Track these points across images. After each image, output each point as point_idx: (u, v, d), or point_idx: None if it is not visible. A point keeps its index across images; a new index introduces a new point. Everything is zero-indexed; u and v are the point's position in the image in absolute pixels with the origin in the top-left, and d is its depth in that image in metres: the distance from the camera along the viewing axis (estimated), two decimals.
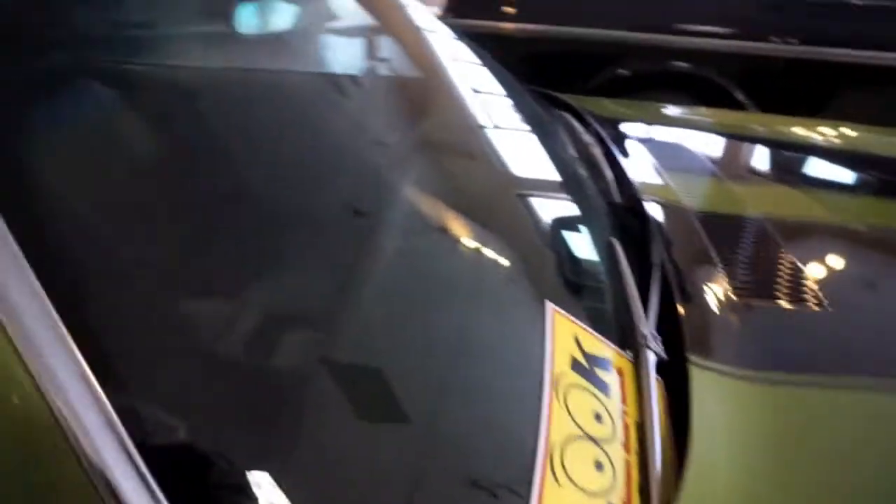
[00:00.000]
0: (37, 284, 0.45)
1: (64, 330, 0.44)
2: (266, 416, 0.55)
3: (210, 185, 0.68)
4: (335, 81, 1.04)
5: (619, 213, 1.10)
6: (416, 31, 1.42)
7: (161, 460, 0.45)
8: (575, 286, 0.87)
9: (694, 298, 0.88)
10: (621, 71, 2.82)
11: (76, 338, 0.45)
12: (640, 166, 1.30)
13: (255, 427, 0.54)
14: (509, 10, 2.93)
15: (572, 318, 0.75)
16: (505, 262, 0.86)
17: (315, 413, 0.57)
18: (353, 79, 1.10)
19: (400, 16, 1.44)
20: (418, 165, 0.99)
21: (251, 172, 0.74)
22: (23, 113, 0.58)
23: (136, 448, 0.44)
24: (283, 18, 1.18)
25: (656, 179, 1.26)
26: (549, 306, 0.74)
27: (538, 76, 2.65)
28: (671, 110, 1.77)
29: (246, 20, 1.05)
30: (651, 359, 0.73)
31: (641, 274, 0.90)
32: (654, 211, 1.08)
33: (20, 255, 0.46)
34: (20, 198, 0.51)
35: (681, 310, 0.84)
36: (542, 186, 1.11)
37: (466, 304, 0.75)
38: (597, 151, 1.32)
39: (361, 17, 1.32)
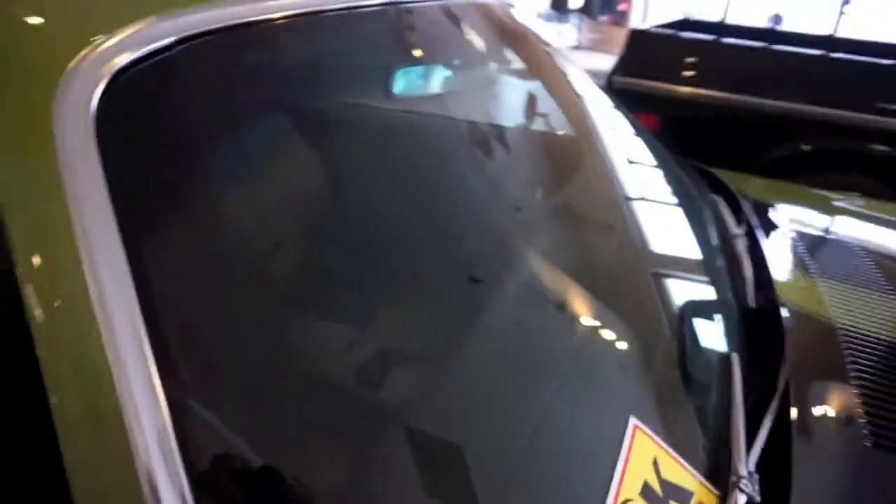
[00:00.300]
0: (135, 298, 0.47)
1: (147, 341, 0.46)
2: (327, 466, 0.56)
3: (335, 225, 0.72)
4: (484, 143, 1.06)
5: (750, 321, 1.01)
6: (573, 96, 1.42)
7: (211, 484, 0.47)
8: (673, 397, 0.80)
9: (814, 436, 0.78)
10: (804, 147, 2.59)
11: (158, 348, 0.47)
12: (789, 267, 1.18)
13: (313, 476, 0.54)
14: (688, 73, 2.83)
15: (656, 437, 0.69)
16: (601, 355, 0.82)
17: (381, 472, 0.57)
18: (503, 141, 1.11)
19: (558, 81, 1.44)
20: (548, 234, 0.99)
21: (380, 219, 0.76)
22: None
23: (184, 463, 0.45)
24: (440, 79, 1.24)
25: (806, 286, 1.13)
26: (632, 421, 0.69)
27: (710, 144, 2.53)
28: (843, 202, 1.58)
29: (409, 80, 1.12)
30: (741, 502, 0.66)
31: (760, 395, 0.82)
32: (794, 324, 0.97)
33: (127, 269, 0.48)
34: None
35: (795, 448, 0.75)
36: (670, 276, 1.04)
37: (549, 394, 0.72)
38: (741, 244, 1.23)
39: (520, 81, 1.34)
